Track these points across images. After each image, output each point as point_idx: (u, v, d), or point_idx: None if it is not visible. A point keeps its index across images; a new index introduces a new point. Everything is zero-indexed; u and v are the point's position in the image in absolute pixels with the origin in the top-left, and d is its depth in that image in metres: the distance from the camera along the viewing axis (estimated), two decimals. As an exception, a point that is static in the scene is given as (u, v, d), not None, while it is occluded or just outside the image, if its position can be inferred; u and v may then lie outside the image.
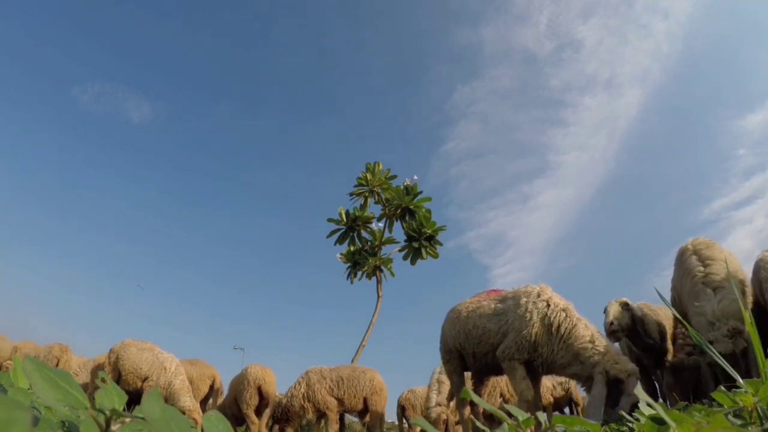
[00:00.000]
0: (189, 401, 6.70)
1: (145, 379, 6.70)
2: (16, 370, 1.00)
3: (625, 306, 4.88)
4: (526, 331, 4.01)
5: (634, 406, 3.20)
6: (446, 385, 6.76)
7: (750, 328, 1.17)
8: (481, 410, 5.10)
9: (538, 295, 4.16)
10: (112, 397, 0.59)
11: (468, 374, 5.14)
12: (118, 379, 6.74)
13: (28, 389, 0.95)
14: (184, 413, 6.40)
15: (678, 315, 1.79)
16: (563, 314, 3.96)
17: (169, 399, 6.66)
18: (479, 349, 4.45)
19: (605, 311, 4.92)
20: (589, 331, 3.87)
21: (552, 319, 3.96)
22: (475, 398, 0.99)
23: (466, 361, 4.77)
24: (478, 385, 5.07)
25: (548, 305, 4.06)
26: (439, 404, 6.69)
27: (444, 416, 6.56)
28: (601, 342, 3.80)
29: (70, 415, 0.73)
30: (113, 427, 0.55)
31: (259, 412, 7.33)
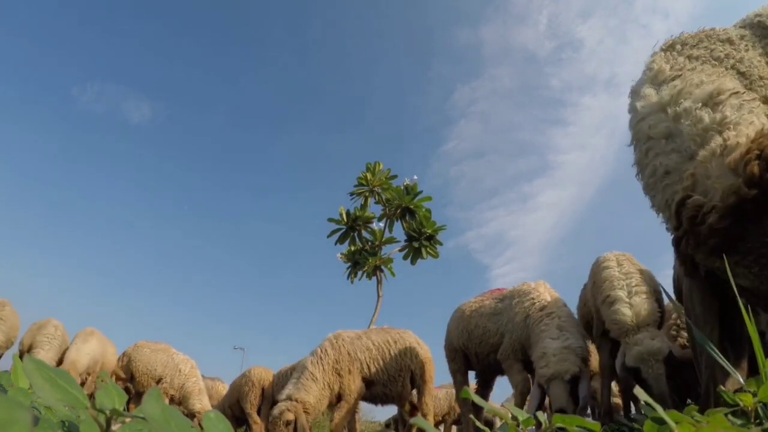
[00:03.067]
0: (200, 403, 6.73)
1: (159, 381, 6.71)
2: (16, 369, 1.00)
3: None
4: (515, 334, 3.91)
5: (557, 412, 2.99)
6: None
7: (750, 326, 1.15)
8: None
9: (528, 294, 3.98)
10: (113, 397, 0.59)
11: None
12: (131, 380, 6.76)
13: (29, 389, 0.95)
14: (194, 416, 6.29)
15: (679, 309, 1.76)
16: (540, 313, 3.76)
17: (182, 401, 6.70)
18: (481, 350, 4.43)
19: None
20: (548, 330, 3.58)
21: (532, 318, 3.80)
22: (475, 398, 0.99)
23: (470, 360, 4.75)
24: (484, 387, 5.01)
25: (533, 304, 3.87)
26: (290, 398, 4.39)
27: (290, 416, 4.24)
28: (550, 343, 3.46)
29: (70, 415, 0.73)
30: (114, 427, 0.55)
31: (258, 413, 7.41)
